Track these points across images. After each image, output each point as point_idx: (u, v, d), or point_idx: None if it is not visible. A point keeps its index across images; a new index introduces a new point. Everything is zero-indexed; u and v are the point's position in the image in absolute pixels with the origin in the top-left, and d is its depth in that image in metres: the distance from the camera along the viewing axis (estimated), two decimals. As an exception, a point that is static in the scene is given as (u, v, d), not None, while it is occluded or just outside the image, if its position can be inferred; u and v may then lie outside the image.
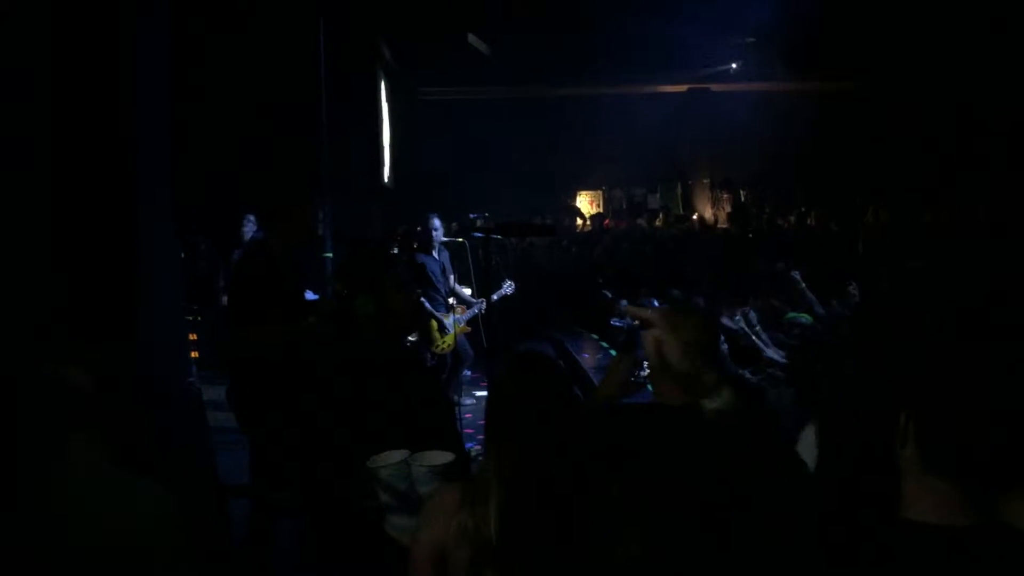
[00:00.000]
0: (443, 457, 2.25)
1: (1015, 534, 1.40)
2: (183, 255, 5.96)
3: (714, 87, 15.49)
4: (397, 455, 2.33)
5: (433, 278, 7.04)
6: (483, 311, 6.89)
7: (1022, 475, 1.41)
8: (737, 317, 6.28)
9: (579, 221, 15.70)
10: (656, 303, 7.43)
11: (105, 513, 1.97)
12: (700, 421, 2.21)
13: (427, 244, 7.09)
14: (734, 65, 14.89)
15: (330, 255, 7.20)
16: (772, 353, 5.75)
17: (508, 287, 7.33)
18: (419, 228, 7.24)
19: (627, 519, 1.89)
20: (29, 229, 3.44)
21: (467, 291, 7.38)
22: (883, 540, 1.41)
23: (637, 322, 2.00)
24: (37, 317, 3.35)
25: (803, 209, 13.87)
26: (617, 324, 8.38)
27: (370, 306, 2.91)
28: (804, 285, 6.75)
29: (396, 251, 7.51)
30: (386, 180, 12.49)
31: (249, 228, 6.95)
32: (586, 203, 16.78)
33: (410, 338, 6.79)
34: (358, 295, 2.93)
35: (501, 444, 1.86)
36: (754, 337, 5.87)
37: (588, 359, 7.93)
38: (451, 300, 7.12)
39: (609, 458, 2.10)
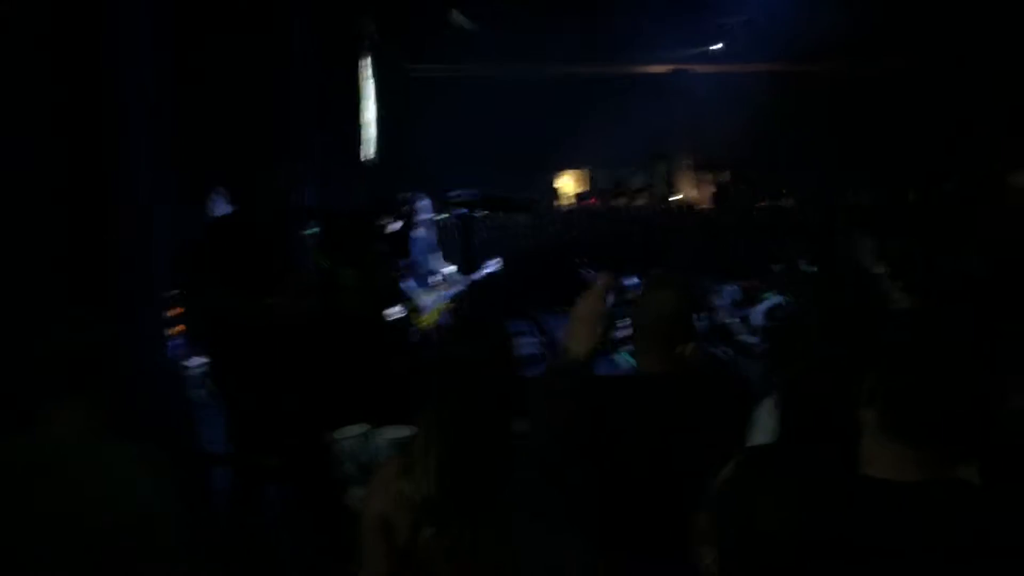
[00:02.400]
0: (403, 431, 2.30)
1: (964, 487, 1.48)
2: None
3: (697, 68, 15.49)
4: (359, 428, 2.38)
5: (416, 254, 7.06)
6: (466, 287, 6.92)
7: (973, 444, 1.48)
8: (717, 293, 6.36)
9: (562, 199, 15.72)
10: (638, 281, 7.48)
11: (108, 481, 2.00)
12: (673, 387, 2.30)
13: (411, 221, 7.10)
14: (719, 45, 14.88)
15: (314, 231, 7.19)
16: (746, 336, 5.83)
17: (494, 264, 7.35)
18: (403, 204, 7.23)
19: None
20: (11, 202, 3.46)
21: (452, 268, 7.40)
22: (843, 493, 1.49)
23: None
24: (18, 288, 3.37)
25: (784, 191, 13.95)
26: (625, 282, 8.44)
27: (352, 279, 2.94)
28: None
29: (384, 222, 7.46)
30: (371, 155, 12.44)
31: (218, 203, 6.84)
32: (571, 182, 16.78)
33: (397, 312, 6.81)
34: (340, 268, 2.96)
35: (436, 405, 1.89)
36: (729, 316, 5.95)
37: (568, 337, 7.96)
38: (437, 277, 7.13)
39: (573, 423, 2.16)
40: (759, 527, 1.55)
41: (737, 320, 6.08)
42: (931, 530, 1.42)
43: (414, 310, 7.01)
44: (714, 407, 2.31)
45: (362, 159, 12.03)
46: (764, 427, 2.21)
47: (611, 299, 2.46)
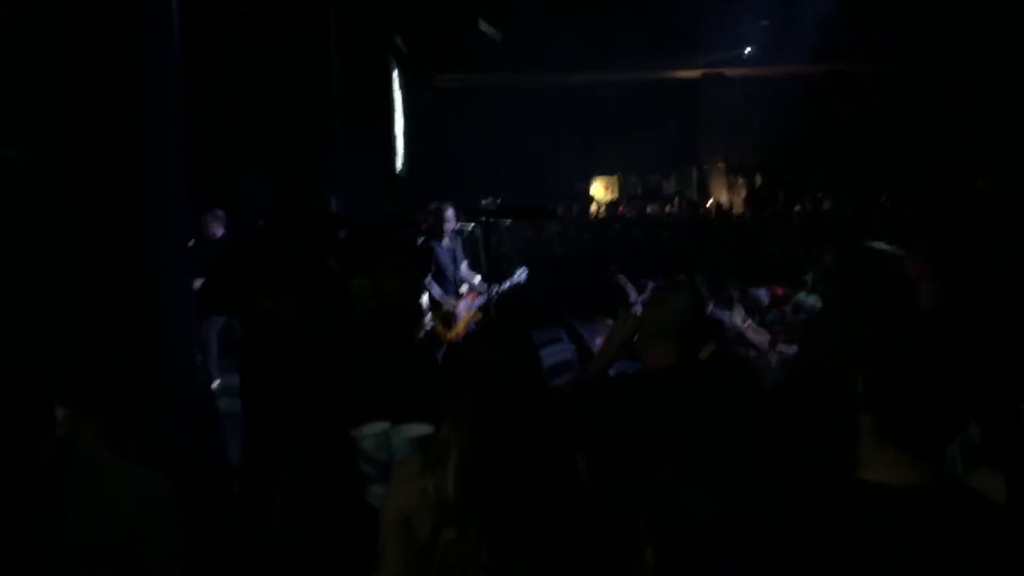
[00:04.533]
0: (423, 429, 2.30)
1: (960, 492, 1.47)
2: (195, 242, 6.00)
3: (728, 71, 15.40)
4: (379, 427, 2.38)
5: (442, 265, 7.08)
6: (494, 297, 6.92)
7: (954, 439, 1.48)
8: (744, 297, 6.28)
9: (592, 207, 15.69)
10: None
11: (103, 498, 2.03)
12: (675, 377, 2.33)
13: (438, 231, 7.11)
14: (748, 49, 14.78)
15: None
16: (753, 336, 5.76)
17: (521, 274, 7.34)
18: (429, 214, 7.27)
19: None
20: (40, 222, 3.54)
21: (478, 278, 7.41)
22: (838, 499, 1.48)
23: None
24: (47, 307, 3.44)
25: (819, 194, 13.79)
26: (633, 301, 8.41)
27: (366, 287, 2.96)
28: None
29: (409, 232, 7.50)
30: (399, 168, 12.54)
31: (216, 226, 6.88)
32: (601, 188, 16.77)
33: (423, 323, 6.83)
34: (354, 276, 2.98)
35: (459, 404, 1.88)
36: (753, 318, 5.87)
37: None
38: (464, 287, 7.15)
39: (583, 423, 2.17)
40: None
41: (756, 322, 6.01)
42: (930, 536, 1.41)
43: (442, 320, 7.04)
44: (716, 393, 2.35)
45: (396, 171, 12.14)
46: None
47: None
